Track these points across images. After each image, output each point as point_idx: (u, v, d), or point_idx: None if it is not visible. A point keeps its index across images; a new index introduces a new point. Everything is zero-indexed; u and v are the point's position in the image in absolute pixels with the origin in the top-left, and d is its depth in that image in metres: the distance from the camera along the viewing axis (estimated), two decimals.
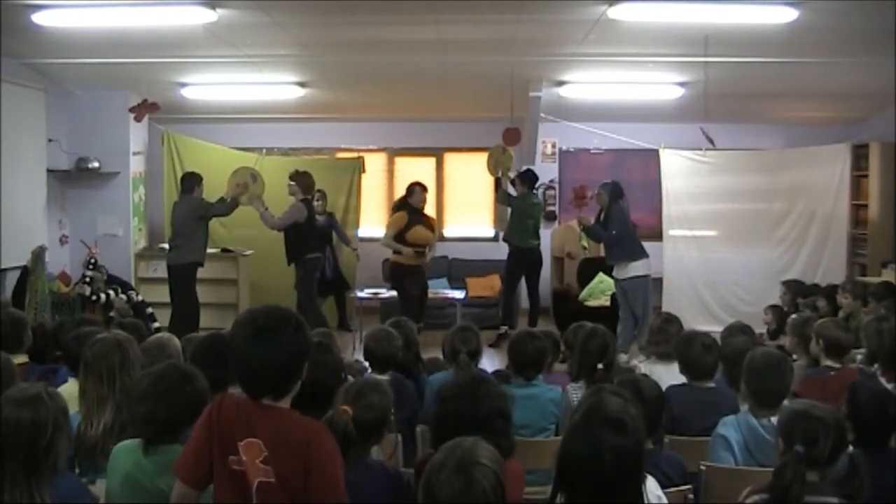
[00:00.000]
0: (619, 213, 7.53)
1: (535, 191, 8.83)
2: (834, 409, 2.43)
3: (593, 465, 1.89)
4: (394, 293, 8.31)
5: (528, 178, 8.64)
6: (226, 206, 7.63)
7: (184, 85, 8.65)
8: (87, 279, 7.94)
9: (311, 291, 7.75)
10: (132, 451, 2.48)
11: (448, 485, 1.87)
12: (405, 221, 7.76)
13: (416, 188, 7.89)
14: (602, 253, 8.92)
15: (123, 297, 8.06)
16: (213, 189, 7.83)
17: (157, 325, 7.66)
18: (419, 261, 7.80)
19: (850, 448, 2.34)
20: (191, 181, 7.72)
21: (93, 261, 8.11)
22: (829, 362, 3.99)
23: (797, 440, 2.28)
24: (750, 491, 2.30)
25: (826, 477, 2.26)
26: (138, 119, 8.53)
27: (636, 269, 7.38)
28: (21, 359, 3.90)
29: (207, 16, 6.10)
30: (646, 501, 2.25)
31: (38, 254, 7.49)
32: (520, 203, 8.55)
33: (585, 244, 9.53)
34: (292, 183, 7.74)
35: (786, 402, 3.01)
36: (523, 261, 8.54)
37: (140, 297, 8.22)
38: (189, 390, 2.52)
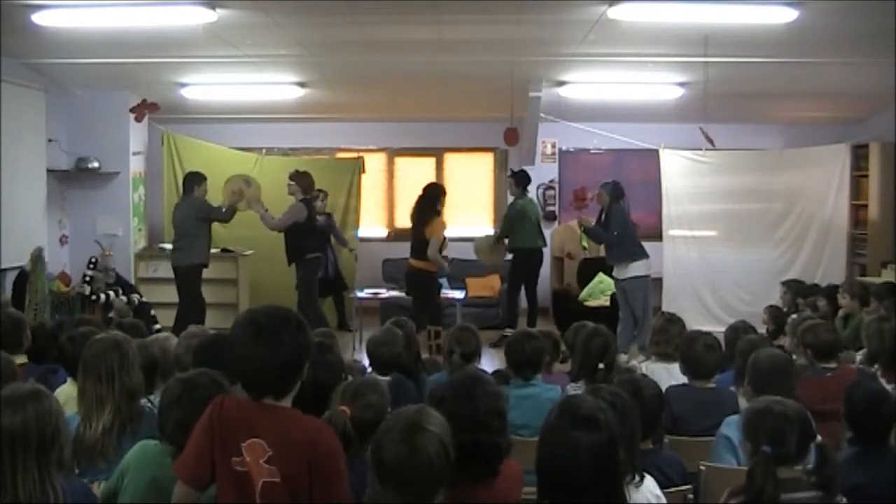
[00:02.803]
0: (620, 213, 7.50)
1: (527, 191, 8.71)
2: (796, 403, 2.43)
3: (571, 465, 1.89)
4: (394, 294, 8.33)
5: (522, 179, 8.55)
6: (225, 214, 7.61)
7: (184, 85, 8.65)
8: (88, 278, 7.93)
9: (311, 292, 7.73)
10: (157, 455, 2.48)
11: (393, 449, 1.91)
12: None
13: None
14: (602, 253, 8.92)
15: (124, 297, 8.04)
16: (214, 189, 7.82)
17: (158, 326, 7.62)
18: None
19: (819, 438, 2.33)
20: (191, 181, 7.68)
21: (93, 260, 8.09)
22: (823, 364, 3.96)
23: (763, 439, 2.28)
24: (729, 493, 2.30)
25: (811, 474, 2.26)
26: (138, 119, 8.53)
27: (636, 269, 7.36)
28: (20, 359, 3.90)
29: (207, 16, 6.10)
30: (642, 502, 2.25)
31: (37, 256, 7.47)
32: (515, 206, 8.48)
33: (585, 244, 9.52)
34: (292, 183, 7.74)
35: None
36: (525, 263, 8.49)
37: (142, 299, 8.14)
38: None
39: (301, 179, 7.75)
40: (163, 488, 2.40)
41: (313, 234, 7.79)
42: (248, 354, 2.14)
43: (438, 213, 7.40)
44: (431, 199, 7.41)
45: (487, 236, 8.73)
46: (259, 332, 2.14)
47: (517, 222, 8.44)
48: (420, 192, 7.59)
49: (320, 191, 8.71)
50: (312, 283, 7.77)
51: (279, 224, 7.64)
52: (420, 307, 7.40)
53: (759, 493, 2.17)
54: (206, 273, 7.88)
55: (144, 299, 8.17)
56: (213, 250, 8.29)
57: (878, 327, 4.32)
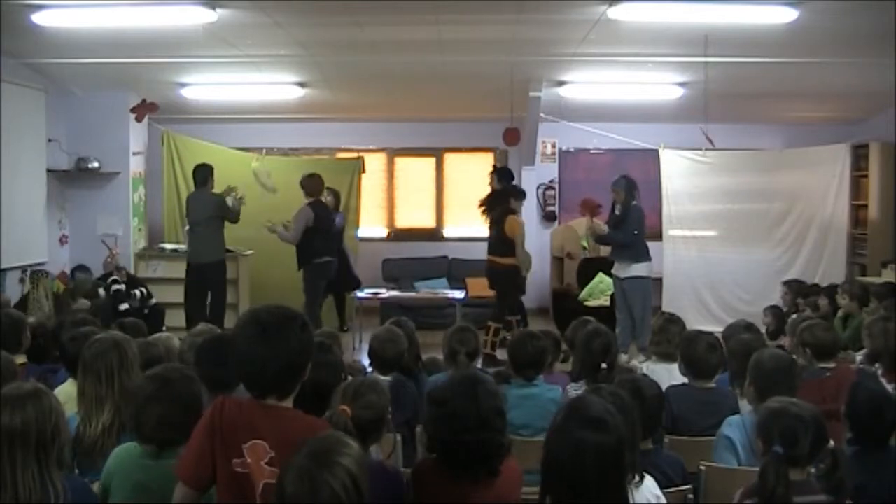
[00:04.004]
0: (638, 211, 7.36)
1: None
2: (812, 406, 2.42)
3: (575, 465, 1.89)
4: (394, 294, 8.33)
5: (506, 175, 8.26)
6: (236, 215, 7.71)
7: (184, 85, 8.65)
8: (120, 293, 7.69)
9: (314, 296, 7.67)
10: (139, 457, 2.47)
11: (294, 483, 1.78)
12: None
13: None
14: (602, 253, 8.90)
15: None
16: (215, 189, 7.80)
17: (164, 328, 7.50)
18: None
19: (832, 443, 2.33)
20: (204, 172, 7.70)
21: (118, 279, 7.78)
22: (821, 364, 3.95)
23: (776, 440, 2.28)
24: (742, 493, 2.30)
25: (820, 476, 2.25)
26: (139, 119, 8.53)
27: (638, 269, 7.28)
28: (19, 359, 3.89)
29: (207, 16, 6.10)
30: (642, 502, 2.25)
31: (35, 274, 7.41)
32: None
33: (585, 244, 9.50)
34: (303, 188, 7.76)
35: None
36: None
37: (153, 301, 7.94)
38: (196, 391, 2.55)
39: (307, 182, 7.75)
40: (148, 490, 2.41)
41: (322, 238, 7.68)
42: (252, 354, 2.14)
43: (514, 212, 7.67)
44: (503, 198, 7.69)
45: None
46: (264, 332, 2.14)
47: None
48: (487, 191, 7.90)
49: (329, 188, 8.71)
50: (316, 288, 7.70)
51: (294, 236, 7.58)
52: (503, 302, 7.67)
53: (770, 493, 2.17)
54: None
55: (154, 301, 8.01)
56: None
57: (884, 327, 4.29)
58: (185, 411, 2.46)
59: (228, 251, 8.83)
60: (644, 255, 7.34)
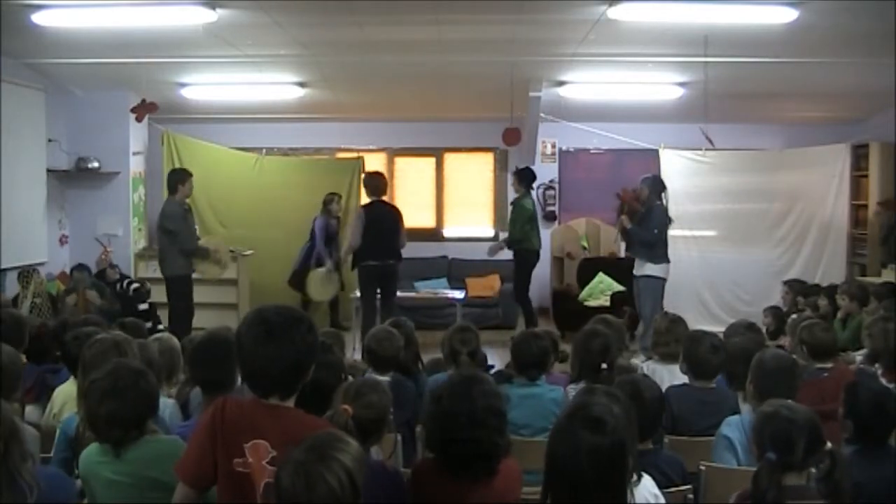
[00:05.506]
0: (661, 211, 7.35)
1: (531, 190, 8.63)
2: (805, 408, 2.41)
3: (573, 464, 1.89)
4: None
5: (527, 177, 8.39)
6: (190, 247, 7.31)
7: (184, 85, 8.65)
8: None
9: (364, 300, 7.52)
10: (103, 459, 2.46)
11: (290, 478, 1.78)
12: None
13: None
14: (602, 253, 8.91)
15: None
16: (215, 189, 7.79)
17: (161, 326, 7.53)
18: None
19: (828, 445, 2.32)
20: (173, 179, 7.39)
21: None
22: (819, 364, 3.93)
23: (767, 444, 2.27)
24: (738, 496, 2.29)
25: (819, 481, 2.24)
26: (139, 119, 8.53)
27: (651, 269, 7.23)
28: None
29: (207, 16, 6.10)
30: (640, 501, 2.25)
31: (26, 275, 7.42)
32: (526, 204, 8.31)
33: (585, 244, 9.51)
34: (366, 187, 7.64)
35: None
36: (530, 263, 8.40)
37: (148, 299, 7.97)
38: (144, 385, 2.53)
39: (367, 180, 7.65)
40: (121, 484, 2.42)
41: (371, 241, 7.34)
42: (258, 354, 2.15)
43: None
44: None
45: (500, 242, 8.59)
46: (271, 332, 2.15)
47: (529, 220, 8.23)
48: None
49: (334, 194, 8.68)
50: (364, 291, 7.52)
51: (353, 240, 7.41)
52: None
53: (761, 498, 2.16)
54: None
55: (151, 300, 8.01)
56: None
57: (884, 327, 4.29)
58: (135, 407, 2.46)
59: (234, 254, 8.79)
60: (661, 257, 7.26)
